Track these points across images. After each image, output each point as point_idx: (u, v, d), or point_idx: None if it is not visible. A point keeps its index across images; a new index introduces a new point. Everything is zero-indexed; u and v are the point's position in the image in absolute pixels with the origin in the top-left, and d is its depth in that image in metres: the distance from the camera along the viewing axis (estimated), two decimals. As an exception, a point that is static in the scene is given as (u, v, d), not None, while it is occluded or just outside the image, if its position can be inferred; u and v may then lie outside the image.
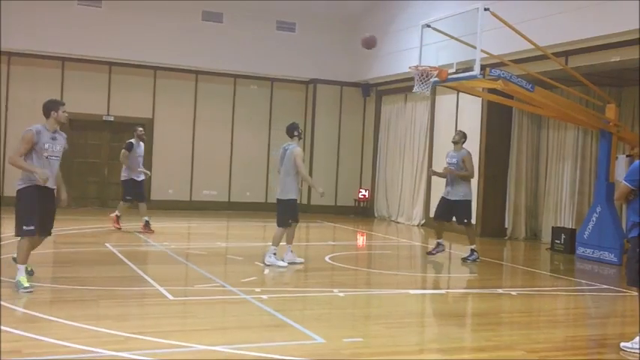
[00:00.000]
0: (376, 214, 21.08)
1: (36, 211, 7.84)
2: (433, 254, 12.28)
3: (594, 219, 13.09)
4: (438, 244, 12.32)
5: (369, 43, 9.94)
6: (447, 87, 13.14)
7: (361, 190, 21.43)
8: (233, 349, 5.85)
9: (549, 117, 15.38)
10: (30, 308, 7.02)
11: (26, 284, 7.75)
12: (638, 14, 11.62)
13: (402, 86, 19.05)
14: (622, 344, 6.49)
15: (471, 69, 10.85)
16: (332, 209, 20.69)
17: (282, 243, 10.92)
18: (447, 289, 10.24)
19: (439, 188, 17.32)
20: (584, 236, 13.27)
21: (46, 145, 7.98)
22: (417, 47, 12.04)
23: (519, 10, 13.68)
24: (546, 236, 15.74)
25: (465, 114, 17.11)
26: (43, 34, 18.20)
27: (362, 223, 19.11)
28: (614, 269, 12.09)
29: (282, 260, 10.72)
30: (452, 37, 11.63)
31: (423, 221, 18.67)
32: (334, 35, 21.20)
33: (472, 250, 12.13)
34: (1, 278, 8.26)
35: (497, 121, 16.50)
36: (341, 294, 8.72)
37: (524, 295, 9.35)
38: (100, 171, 19.51)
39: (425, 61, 11.64)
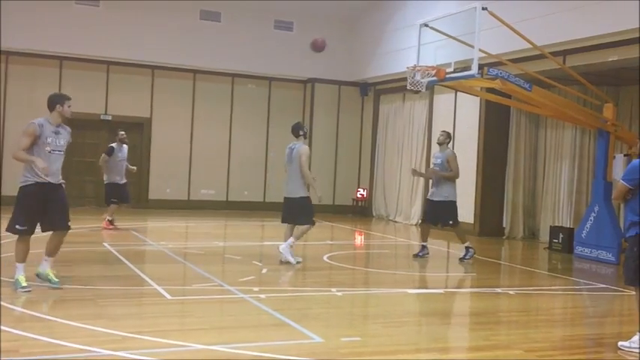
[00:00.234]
0: (374, 214, 21.08)
1: (33, 212, 7.78)
2: (419, 256, 12.22)
3: (592, 218, 13.10)
4: (424, 247, 12.26)
5: (318, 46, 9.89)
6: (445, 86, 13.15)
7: (359, 189, 21.44)
8: (231, 349, 5.85)
9: (547, 116, 15.39)
10: (27, 307, 7.02)
11: (24, 283, 7.73)
12: (635, 13, 11.63)
13: (400, 85, 18.95)
14: (620, 343, 6.49)
15: (468, 68, 10.85)
16: (330, 208, 20.69)
17: (282, 241, 10.91)
18: (445, 288, 10.24)
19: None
20: (582, 235, 13.28)
21: (49, 139, 7.80)
22: (414, 46, 12.04)
23: (517, 10, 13.68)
24: (544, 235, 15.75)
25: (463, 113, 17.12)
26: (41, 34, 18.19)
27: (360, 223, 19.11)
28: (612, 268, 12.10)
29: (294, 257, 10.78)
30: (450, 37, 11.63)
31: (420, 220, 18.65)
32: (332, 34, 21.16)
33: (467, 248, 12.05)
34: (1, 278, 8.25)
35: (495, 121, 16.51)
36: (339, 293, 8.72)
37: (522, 294, 9.36)
38: (98, 170, 19.45)
39: (423, 61, 11.64)
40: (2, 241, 11.24)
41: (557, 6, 13.45)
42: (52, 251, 7.98)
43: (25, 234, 7.82)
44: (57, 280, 7.89)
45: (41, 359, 5.41)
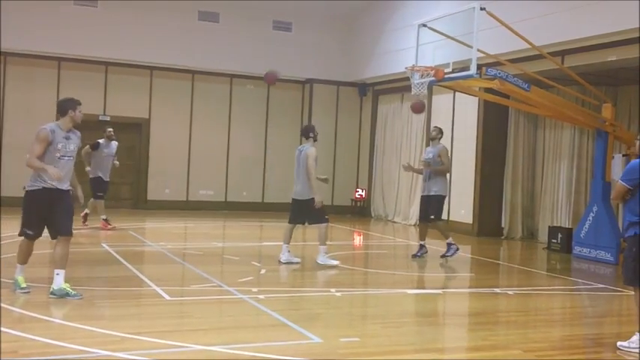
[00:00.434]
0: (373, 214, 21.08)
1: (40, 217, 7.68)
2: (417, 257, 12.22)
3: (591, 218, 13.10)
4: (422, 246, 12.28)
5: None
6: (444, 87, 13.15)
7: (358, 189, 21.44)
8: (230, 349, 5.84)
9: (546, 116, 15.40)
10: (26, 308, 7.01)
11: (23, 285, 7.71)
12: (634, 13, 11.63)
13: (398, 86, 19.05)
14: (619, 343, 6.49)
15: (467, 68, 10.86)
16: (329, 209, 20.53)
17: (279, 242, 10.91)
18: (444, 288, 10.24)
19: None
20: (581, 235, 13.28)
21: (59, 145, 7.63)
22: (413, 47, 12.04)
23: (516, 10, 13.68)
24: (543, 236, 15.75)
25: (462, 114, 17.12)
26: (39, 34, 18.17)
27: (359, 223, 19.11)
28: (611, 268, 12.10)
29: (330, 259, 10.88)
30: (448, 37, 11.63)
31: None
32: (331, 35, 21.21)
33: (449, 245, 11.98)
34: (1, 279, 8.25)
35: (494, 121, 16.51)
36: (338, 294, 8.72)
37: (521, 294, 9.36)
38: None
39: (421, 61, 11.64)
40: (2, 242, 11.27)
41: (556, 6, 13.46)
42: (61, 262, 7.70)
43: (32, 238, 7.81)
44: (75, 292, 7.61)
45: (40, 360, 5.42)
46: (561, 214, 15.96)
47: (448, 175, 12.75)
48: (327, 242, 11.06)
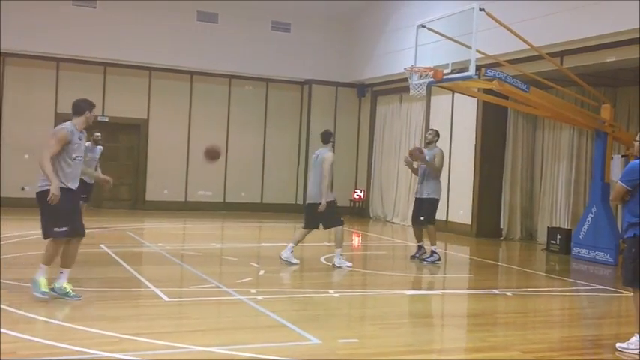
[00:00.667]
0: (371, 215, 21.09)
1: (68, 212, 7.47)
2: (416, 257, 12.21)
3: (590, 219, 13.10)
4: (420, 247, 12.26)
5: (212, 155, 9.64)
6: (443, 87, 13.14)
7: (356, 190, 21.44)
8: (228, 350, 5.84)
9: (544, 117, 15.40)
10: (25, 309, 6.99)
11: (45, 289, 7.39)
12: (633, 14, 11.63)
13: (397, 86, 19.06)
14: (618, 344, 6.49)
15: (466, 69, 10.84)
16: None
17: (284, 243, 10.90)
18: (443, 289, 10.23)
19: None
20: (580, 236, 13.28)
21: (75, 146, 7.55)
22: (412, 47, 12.03)
23: (515, 11, 13.69)
24: (542, 236, 15.75)
25: (461, 114, 17.12)
26: (37, 35, 18.17)
27: (357, 224, 19.10)
28: (610, 269, 12.10)
29: (346, 261, 10.91)
30: (447, 38, 11.62)
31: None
32: (329, 35, 21.21)
33: (432, 252, 11.91)
34: (1, 280, 8.24)
35: (493, 122, 16.52)
36: (336, 295, 8.71)
37: (519, 295, 9.36)
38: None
39: (420, 62, 11.63)
40: (2, 242, 11.26)
41: (555, 7, 13.46)
42: (69, 262, 7.62)
43: (63, 235, 7.44)
44: (75, 293, 7.53)
45: (38, 361, 5.41)
46: (560, 215, 15.96)
47: (444, 175, 12.69)
48: (326, 243, 11.06)
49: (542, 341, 6.76)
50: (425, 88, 11.42)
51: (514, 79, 11.41)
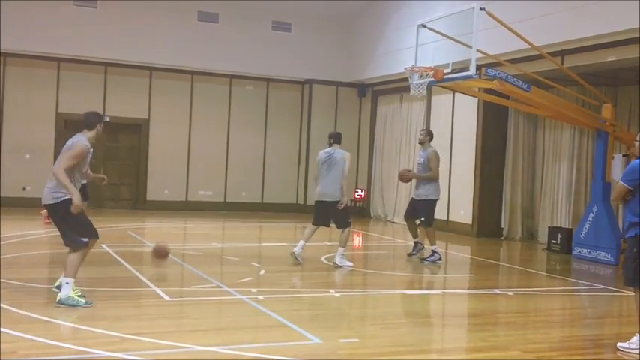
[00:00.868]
0: (372, 214, 21.08)
1: (86, 220, 7.46)
2: (414, 254, 12.24)
3: (591, 219, 13.10)
4: (416, 243, 12.30)
5: (160, 254, 9.56)
6: (443, 87, 13.14)
7: (357, 190, 21.43)
8: (229, 350, 5.84)
9: (545, 117, 15.39)
10: (26, 309, 6.99)
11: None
12: (634, 14, 11.63)
13: (397, 86, 19.05)
14: (619, 344, 6.49)
15: (466, 69, 10.84)
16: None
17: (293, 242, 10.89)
18: (444, 289, 10.23)
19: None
20: (581, 236, 13.28)
21: (87, 160, 7.62)
22: (412, 47, 12.02)
23: (515, 10, 13.68)
24: (543, 236, 15.74)
25: (461, 114, 17.12)
26: (38, 35, 18.17)
27: (358, 224, 19.08)
28: (611, 269, 12.09)
29: (347, 261, 10.93)
30: (448, 37, 11.62)
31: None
32: (330, 35, 21.21)
33: (433, 252, 11.92)
34: (1, 279, 8.24)
35: (494, 122, 16.51)
36: (337, 294, 8.72)
37: (520, 295, 9.35)
38: (96, 171, 19.17)
39: (421, 61, 11.63)
40: (2, 243, 11.26)
41: (555, 6, 13.45)
42: (72, 271, 7.45)
43: (85, 245, 7.41)
44: (85, 300, 7.34)
45: (39, 361, 5.41)
46: (561, 215, 15.95)
47: (445, 175, 12.70)
48: (327, 243, 11.07)
49: (542, 341, 6.76)
50: (425, 87, 11.41)
51: (515, 79, 11.41)
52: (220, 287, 8.77)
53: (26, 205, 16.71)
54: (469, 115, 16.75)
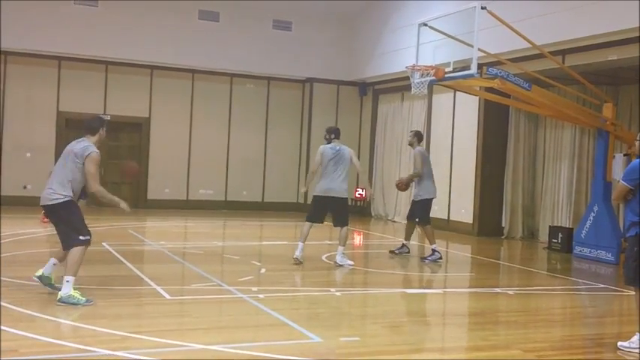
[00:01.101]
0: (373, 213, 21.07)
1: (84, 220, 7.59)
2: (395, 253, 12.27)
3: (591, 218, 13.09)
4: (403, 245, 12.36)
5: (129, 171, 9.45)
6: (444, 86, 13.14)
7: (358, 189, 21.42)
8: (230, 349, 5.84)
9: (546, 116, 15.38)
10: (27, 307, 7.00)
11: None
12: (634, 13, 11.62)
13: (398, 85, 19.04)
14: (619, 343, 6.48)
15: (467, 68, 10.84)
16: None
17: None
18: (444, 288, 10.23)
19: (437, 188, 17.35)
20: (582, 235, 13.27)
21: None
22: (413, 46, 12.03)
23: (516, 9, 13.67)
24: (543, 235, 15.74)
25: (462, 113, 17.11)
26: (39, 33, 18.17)
27: (359, 223, 19.08)
28: (612, 268, 12.09)
29: (348, 260, 10.93)
30: (449, 36, 11.62)
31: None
32: (331, 34, 21.20)
33: (433, 251, 11.93)
34: (1, 278, 8.25)
35: (495, 120, 16.50)
36: (338, 293, 8.72)
37: (521, 294, 9.35)
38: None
39: (422, 60, 11.63)
40: (3, 241, 11.27)
41: (557, 5, 13.45)
42: (73, 269, 7.54)
43: (88, 243, 7.55)
44: (86, 298, 7.33)
45: (41, 359, 5.40)
46: (562, 214, 15.95)
47: (445, 173, 12.68)
48: (327, 242, 11.06)
49: (543, 340, 6.76)
50: (426, 86, 11.42)
51: (516, 78, 11.40)
52: (221, 286, 8.77)
53: (27, 204, 16.70)
54: (470, 114, 16.74)
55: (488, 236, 16.17)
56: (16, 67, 18.68)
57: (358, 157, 19.72)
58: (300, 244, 10.76)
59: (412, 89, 11.53)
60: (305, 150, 21.36)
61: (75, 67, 19.11)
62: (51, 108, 18.92)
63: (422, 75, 11.32)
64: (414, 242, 13.81)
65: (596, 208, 13.05)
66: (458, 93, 16.32)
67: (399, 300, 8.82)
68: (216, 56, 20.05)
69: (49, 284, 7.72)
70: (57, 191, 7.41)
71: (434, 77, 11.15)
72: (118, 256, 10.81)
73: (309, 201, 11.25)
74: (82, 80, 19.05)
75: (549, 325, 7.73)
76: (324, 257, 11.69)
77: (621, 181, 6.63)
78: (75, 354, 5.54)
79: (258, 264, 10.69)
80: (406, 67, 11.79)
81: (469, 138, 16.77)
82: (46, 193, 7.47)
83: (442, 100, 17.79)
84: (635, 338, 6.40)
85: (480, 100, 16.04)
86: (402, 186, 12.77)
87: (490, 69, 11.21)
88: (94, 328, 6.31)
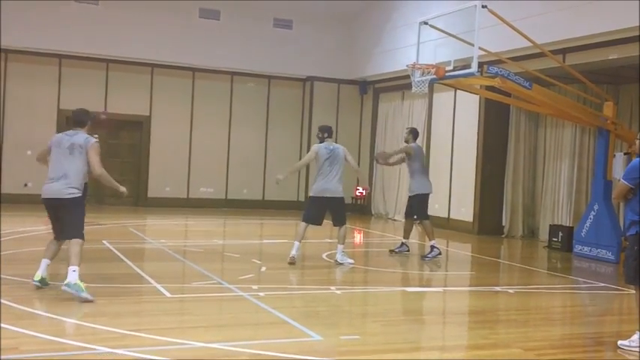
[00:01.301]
0: (373, 212, 21.08)
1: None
2: (395, 252, 12.27)
3: (592, 217, 13.09)
4: (402, 244, 12.35)
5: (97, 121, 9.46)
6: (445, 84, 13.12)
7: (358, 187, 21.42)
8: (230, 347, 5.84)
9: (547, 115, 15.38)
10: (27, 305, 7.01)
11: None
12: (635, 12, 11.62)
13: (399, 84, 19.04)
14: (619, 342, 6.49)
15: (468, 66, 10.84)
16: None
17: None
18: (444, 286, 10.23)
19: (437, 187, 17.36)
20: (582, 234, 13.27)
21: None
22: (414, 45, 12.03)
23: (517, 8, 13.66)
24: (544, 234, 15.74)
25: (463, 112, 17.11)
26: (40, 32, 18.17)
27: (359, 221, 19.10)
28: (612, 267, 12.09)
29: (348, 258, 10.94)
30: (449, 35, 11.62)
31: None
32: (331, 32, 21.19)
33: (432, 247, 11.96)
34: (1, 276, 8.25)
35: (495, 119, 16.50)
36: (338, 291, 8.72)
37: (521, 293, 9.36)
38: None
39: (422, 59, 11.63)
40: (3, 239, 11.27)
41: (557, 4, 13.44)
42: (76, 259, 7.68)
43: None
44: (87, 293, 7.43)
45: (41, 357, 5.41)
46: (562, 213, 15.95)
47: (446, 172, 12.66)
48: (328, 240, 11.07)
49: (543, 339, 6.76)
50: (427, 85, 11.42)
51: (516, 77, 11.40)
52: (221, 284, 8.78)
53: (27, 202, 16.71)
54: (471, 112, 16.74)
55: (488, 235, 16.17)
56: (17, 65, 18.68)
57: (359, 156, 19.84)
58: (296, 243, 10.71)
59: (413, 88, 11.52)
60: (305, 148, 21.33)
61: (76, 65, 19.12)
62: (52, 106, 18.92)
63: (422, 73, 11.31)
64: (413, 240, 13.82)
65: (596, 207, 13.05)
66: (458, 92, 16.32)
67: (399, 298, 8.83)
68: (216, 55, 20.05)
69: (47, 284, 7.81)
70: (73, 185, 7.66)
71: (434, 76, 11.14)
72: (119, 254, 10.82)
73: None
74: (82, 78, 19.06)
75: (549, 323, 7.74)
76: (324, 255, 11.69)
77: (622, 179, 6.63)
78: (75, 352, 5.54)
79: (259, 262, 10.70)
80: (407, 66, 11.79)
81: (470, 136, 16.77)
82: (58, 186, 7.65)
83: (443, 98, 17.79)
84: (635, 337, 6.40)
85: (480, 98, 16.03)
86: (380, 159, 12.92)
87: (491, 68, 11.22)
88: (94, 325, 6.31)
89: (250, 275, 9.48)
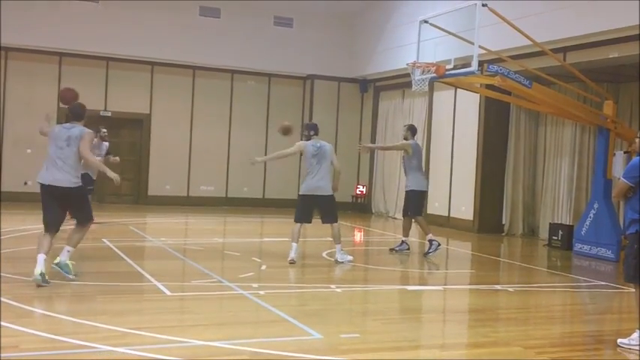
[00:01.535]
0: (373, 210, 21.08)
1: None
2: (395, 251, 12.27)
3: (592, 215, 13.10)
4: (402, 242, 12.33)
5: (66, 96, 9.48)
6: (445, 83, 13.12)
7: (358, 185, 21.44)
8: (230, 345, 5.85)
9: (547, 113, 15.38)
10: (27, 303, 7.01)
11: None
12: (635, 10, 11.62)
13: (399, 82, 19.04)
14: (619, 340, 6.49)
15: (468, 65, 10.86)
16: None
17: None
18: (445, 285, 10.23)
19: (437, 185, 17.37)
20: (582, 232, 13.28)
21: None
22: (414, 43, 12.03)
23: (517, 6, 13.66)
24: (544, 232, 15.74)
25: (463, 110, 17.11)
26: (40, 30, 18.18)
27: (359, 219, 19.10)
28: (612, 265, 12.10)
29: (348, 255, 10.93)
30: (450, 33, 11.63)
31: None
32: (332, 31, 21.19)
33: (430, 241, 11.98)
34: (1, 274, 8.26)
35: (495, 118, 16.50)
36: (338, 290, 8.72)
37: (521, 291, 9.36)
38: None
39: (423, 57, 11.64)
40: (3, 237, 11.28)
41: (558, 3, 13.44)
42: (75, 242, 8.47)
43: (91, 222, 8.68)
44: (73, 276, 8.27)
45: (41, 355, 5.41)
46: (562, 211, 15.96)
47: (446, 171, 12.70)
48: (328, 239, 11.07)
49: (543, 337, 6.77)
50: (427, 83, 11.42)
51: (516, 75, 11.40)
52: (221, 282, 8.78)
53: (27, 200, 16.71)
54: (471, 111, 16.73)
55: (488, 233, 16.17)
56: (17, 63, 18.69)
57: (358, 155, 19.89)
58: (294, 245, 10.68)
59: (413, 86, 11.53)
60: (305, 147, 21.34)
61: (76, 63, 19.12)
62: (51, 104, 18.87)
63: (423, 72, 11.32)
64: (413, 239, 13.83)
65: (596, 206, 13.06)
66: (459, 90, 16.30)
67: (399, 297, 8.83)
68: (217, 53, 20.05)
69: (48, 282, 7.87)
70: (75, 175, 8.11)
71: (435, 74, 11.14)
72: (119, 252, 10.82)
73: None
74: (82, 76, 19.02)
75: (549, 322, 7.74)
76: (324, 254, 11.69)
77: (622, 178, 6.64)
78: (75, 350, 5.55)
79: (259, 260, 10.71)
80: (407, 64, 11.79)
81: (470, 135, 16.77)
82: (63, 175, 8.00)
83: (443, 97, 17.79)
84: (634, 335, 6.41)
85: (480, 97, 16.03)
86: (365, 148, 13.45)
87: (491, 66, 11.22)
88: (94, 324, 6.31)
89: (250, 273, 9.49)
